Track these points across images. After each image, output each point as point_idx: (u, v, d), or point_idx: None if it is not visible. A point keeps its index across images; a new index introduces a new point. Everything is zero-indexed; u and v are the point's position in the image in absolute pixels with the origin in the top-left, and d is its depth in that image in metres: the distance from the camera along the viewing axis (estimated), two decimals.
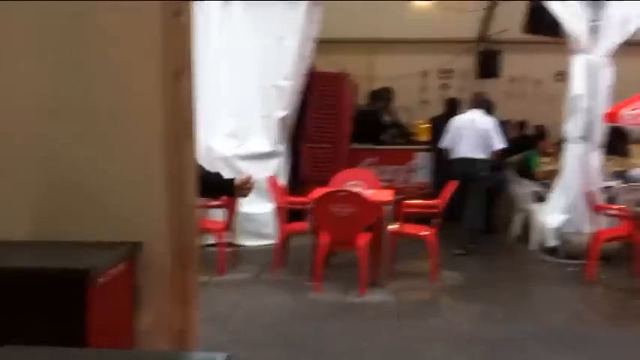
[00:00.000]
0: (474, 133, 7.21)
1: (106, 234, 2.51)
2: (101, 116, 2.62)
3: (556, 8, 6.83)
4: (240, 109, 7.14)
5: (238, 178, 3.27)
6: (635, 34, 6.86)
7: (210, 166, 3.39)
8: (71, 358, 1.79)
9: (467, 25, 10.39)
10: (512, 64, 10.80)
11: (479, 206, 7.30)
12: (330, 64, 9.03)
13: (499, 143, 7.21)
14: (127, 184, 2.62)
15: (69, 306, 2.09)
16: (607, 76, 6.81)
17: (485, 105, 7.55)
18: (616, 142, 8.60)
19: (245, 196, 3.25)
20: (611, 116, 6.30)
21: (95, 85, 2.60)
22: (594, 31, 6.74)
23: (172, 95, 2.68)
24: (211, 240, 6.02)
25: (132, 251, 2.46)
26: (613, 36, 6.73)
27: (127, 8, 2.55)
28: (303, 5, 7.02)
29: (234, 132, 7.16)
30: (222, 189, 3.33)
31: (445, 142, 7.44)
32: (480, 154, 7.17)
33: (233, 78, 7.02)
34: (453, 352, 4.59)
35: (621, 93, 6.74)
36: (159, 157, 2.63)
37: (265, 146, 7.13)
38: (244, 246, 6.92)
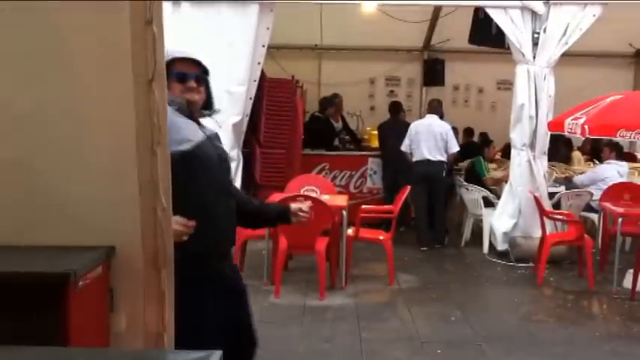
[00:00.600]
0: (432, 137, 7.71)
1: (80, 239, 2.49)
2: (75, 123, 2.59)
3: (500, 21, 7.04)
4: None
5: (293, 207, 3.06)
6: (574, 45, 7.17)
7: None
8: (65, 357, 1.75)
9: (412, 34, 10.59)
10: (456, 72, 11.10)
11: (443, 205, 7.85)
12: (280, 71, 9.07)
13: (455, 146, 7.81)
14: (100, 189, 2.61)
15: (51, 308, 2.08)
16: (549, 86, 7.06)
17: (440, 111, 8.09)
18: (560, 149, 8.95)
19: (301, 223, 3.05)
20: (554, 125, 6.51)
21: (69, 94, 2.57)
22: (536, 42, 6.98)
23: (144, 102, 2.66)
24: None
25: (107, 255, 2.45)
26: (554, 47, 6.98)
27: (97, 18, 2.53)
28: (255, 11, 7.01)
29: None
30: (279, 219, 3.15)
31: (405, 146, 7.88)
32: (439, 157, 7.69)
33: None
34: (411, 353, 4.66)
35: (563, 102, 7.00)
36: (131, 163, 2.62)
37: None
38: None
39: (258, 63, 7.10)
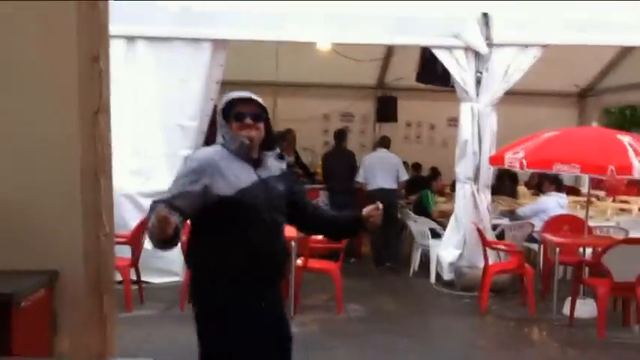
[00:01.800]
0: (386, 167, 8.61)
1: (24, 263, 2.58)
2: (21, 152, 2.71)
3: (445, 60, 7.38)
4: (144, 147, 7.16)
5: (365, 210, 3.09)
6: (522, 84, 7.54)
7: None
8: None
9: (366, 72, 10.93)
10: (408, 109, 11.44)
11: (397, 229, 8.70)
12: None
13: (404, 175, 8.85)
14: (46, 216, 2.72)
15: None
16: (492, 123, 7.39)
17: (389, 145, 8.94)
18: (506, 184, 9.30)
19: (376, 224, 3.07)
20: (495, 159, 6.80)
21: (16, 124, 2.69)
22: (479, 81, 7.32)
23: (90, 134, 2.81)
24: (117, 277, 5.96)
25: (50, 279, 2.55)
26: (496, 86, 7.33)
27: (45, 54, 2.68)
28: (208, 48, 7.19)
29: (139, 170, 7.15)
30: (357, 226, 3.15)
31: (360, 177, 8.68)
32: (393, 185, 8.58)
33: (137, 116, 7.05)
34: None
35: (510, 139, 7.31)
36: (76, 191, 2.74)
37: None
38: (151, 283, 6.87)
39: (211, 99, 7.26)
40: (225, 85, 7.94)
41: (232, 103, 2.91)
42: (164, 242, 2.55)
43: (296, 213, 3.09)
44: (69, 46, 2.67)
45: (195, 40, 7.16)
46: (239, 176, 2.82)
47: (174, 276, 6.94)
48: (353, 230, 3.23)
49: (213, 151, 2.90)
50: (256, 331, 2.84)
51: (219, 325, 2.82)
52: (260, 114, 2.90)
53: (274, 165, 3.01)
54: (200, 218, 2.83)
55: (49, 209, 2.72)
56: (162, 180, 7.10)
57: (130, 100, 6.96)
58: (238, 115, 2.88)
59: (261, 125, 2.91)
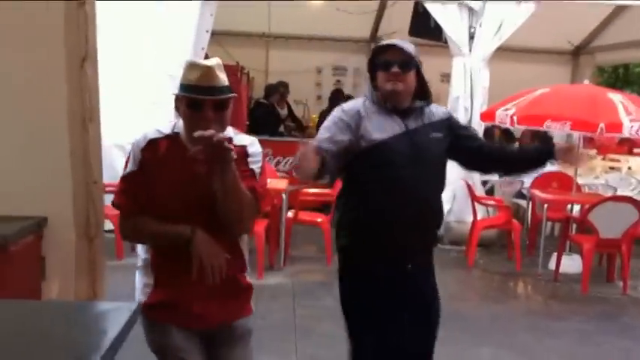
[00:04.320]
0: None
1: (14, 209, 2.59)
2: (9, 101, 2.69)
3: (437, 14, 7.30)
4: (134, 97, 7.10)
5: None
6: (514, 40, 7.48)
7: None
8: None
9: (359, 25, 10.78)
10: None
11: None
12: (226, 57, 9.15)
13: None
14: (34, 163, 2.71)
15: None
16: (484, 79, 7.37)
17: None
18: (500, 141, 9.32)
19: (572, 164, 2.94)
20: (486, 116, 6.80)
21: (1, 73, 2.67)
22: (472, 36, 7.26)
23: (77, 80, 2.79)
24: (109, 226, 5.98)
25: (39, 225, 2.56)
26: (489, 42, 7.28)
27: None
28: None
29: (128, 120, 7.11)
30: (543, 158, 2.98)
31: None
32: None
33: (127, 66, 6.97)
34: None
35: (502, 96, 7.30)
36: (64, 138, 2.73)
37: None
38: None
39: (202, 48, 7.18)
40: (218, 35, 7.87)
41: (378, 51, 2.77)
42: (311, 176, 2.52)
43: (470, 157, 2.96)
44: None
45: None
46: (380, 129, 2.71)
47: None
48: (541, 162, 3.02)
49: (361, 102, 2.80)
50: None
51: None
52: (408, 62, 2.73)
53: (430, 113, 2.84)
54: (347, 173, 2.79)
55: (37, 156, 2.72)
56: (153, 130, 7.12)
57: (120, 50, 6.87)
58: (383, 64, 2.73)
59: (411, 74, 2.74)
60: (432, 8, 7.33)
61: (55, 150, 2.73)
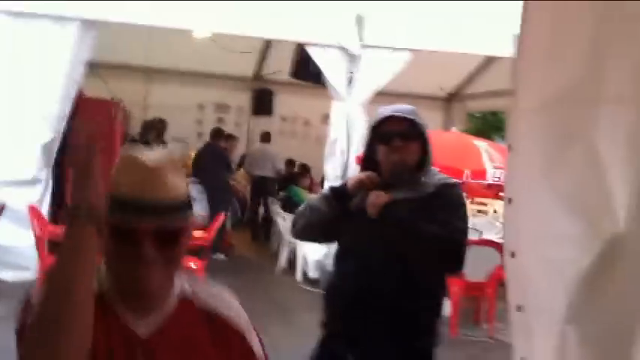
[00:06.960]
0: (268, 159, 10.14)
1: None
2: None
3: (318, 58, 7.43)
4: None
5: None
6: (392, 85, 7.72)
7: None
8: None
9: (243, 63, 10.80)
10: (284, 103, 11.45)
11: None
12: (104, 91, 8.75)
13: (281, 164, 10.34)
14: None
15: None
16: (361, 123, 7.53)
17: (269, 139, 10.49)
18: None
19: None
20: (360, 160, 6.94)
21: None
22: (350, 81, 7.44)
23: None
24: None
25: None
26: (366, 87, 7.48)
27: None
28: (75, 25, 6.67)
29: None
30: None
31: (247, 167, 10.42)
32: (271, 175, 10.12)
33: None
34: None
35: None
36: None
37: (26, 173, 6.63)
38: (3, 281, 6.37)
39: (76, 81, 6.84)
40: (98, 68, 7.48)
41: (380, 124, 2.51)
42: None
43: None
44: None
45: (61, 18, 6.66)
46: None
47: (29, 272, 6.38)
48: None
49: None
50: None
51: None
52: (413, 131, 2.47)
53: (418, 185, 2.50)
54: None
55: None
56: (18, 168, 6.58)
57: None
58: (383, 136, 2.50)
59: (416, 146, 2.48)
60: (312, 52, 7.45)
61: None
